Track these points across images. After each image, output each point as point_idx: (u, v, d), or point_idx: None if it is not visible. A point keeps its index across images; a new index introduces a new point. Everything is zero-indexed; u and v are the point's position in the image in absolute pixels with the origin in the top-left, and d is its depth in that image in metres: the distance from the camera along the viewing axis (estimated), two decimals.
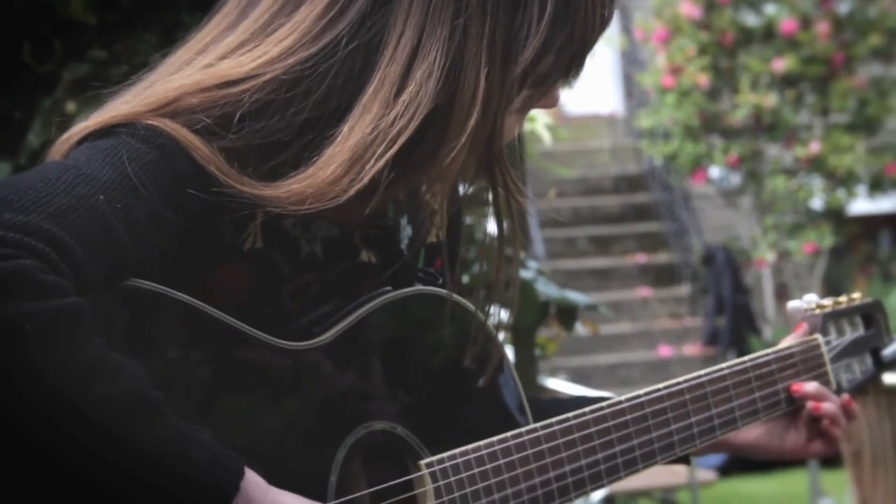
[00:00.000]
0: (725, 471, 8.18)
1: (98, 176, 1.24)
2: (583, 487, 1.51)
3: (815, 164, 11.68)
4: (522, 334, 3.95)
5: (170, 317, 1.29)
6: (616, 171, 13.56)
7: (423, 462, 1.41)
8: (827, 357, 1.82)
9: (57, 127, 1.40)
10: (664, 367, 11.27)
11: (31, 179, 1.22)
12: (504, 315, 1.51)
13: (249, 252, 1.37)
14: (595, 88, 12.63)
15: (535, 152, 6.03)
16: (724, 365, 1.70)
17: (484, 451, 1.44)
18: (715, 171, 12.24)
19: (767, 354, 1.76)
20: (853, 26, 11.74)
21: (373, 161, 1.32)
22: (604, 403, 1.55)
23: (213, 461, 1.20)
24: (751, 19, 11.94)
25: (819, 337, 1.82)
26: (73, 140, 1.32)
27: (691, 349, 11.74)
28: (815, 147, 11.63)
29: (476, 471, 1.43)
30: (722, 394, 1.67)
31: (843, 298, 1.89)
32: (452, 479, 1.41)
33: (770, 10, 11.88)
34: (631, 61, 13.33)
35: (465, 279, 1.56)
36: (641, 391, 1.59)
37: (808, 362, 1.80)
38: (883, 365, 1.90)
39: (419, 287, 1.50)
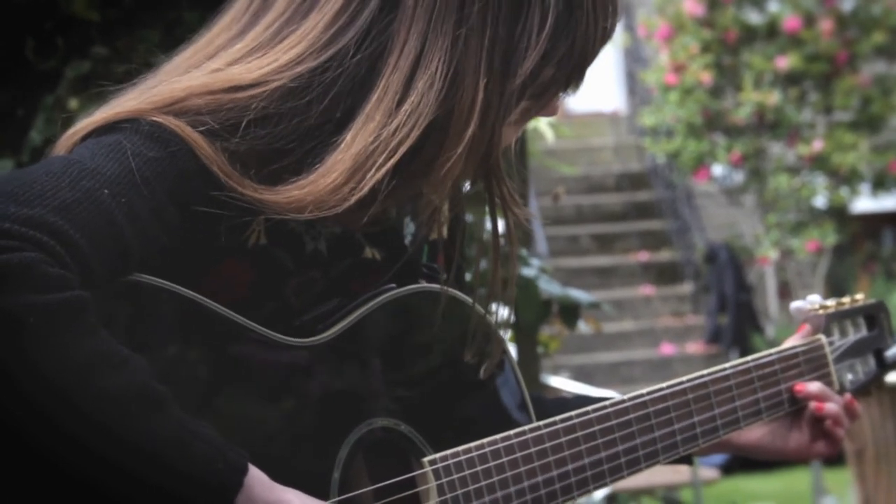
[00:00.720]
0: (728, 469, 8.18)
1: (102, 170, 1.24)
2: (585, 486, 1.51)
3: (819, 163, 11.68)
4: (525, 332, 3.95)
5: (172, 312, 1.29)
6: (619, 169, 13.56)
7: (426, 459, 1.41)
8: (830, 357, 1.82)
9: (60, 124, 1.40)
10: (666, 365, 11.27)
11: (35, 173, 1.22)
12: (505, 313, 1.51)
13: (253, 248, 1.37)
14: (598, 86, 12.62)
15: (538, 150, 6.03)
16: (727, 365, 1.69)
17: (487, 449, 1.44)
18: (718, 169, 12.24)
19: (771, 354, 1.75)
20: (857, 24, 11.73)
21: (374, 170, 1.32)
22: (606, 402, 1.55)
23: (217, 456, 1.20)
24: (754, 17, 11.94)
25: (822, 337, 1.82)
26: (77, 136, 1.32)
27: (694, 347, 11.74)
28: (818, 145, 11.63)
29: (479, 468, 1.43)
30: (725, 394, 1.67)
31: (846, 299, 1.88)
32: (455, 476, 1.41)
33: (773, 7, 11.88)
34: (634, 59, 13.33)
35: (469, 277, 1.56)
36: (644, 391, 1.59)
37: (811, 363, 1.80)
38: (886, 366, 1.90)
39: (422, 285, 1.50)
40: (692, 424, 1.63)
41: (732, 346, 11.36)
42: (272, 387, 1.34)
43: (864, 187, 11.91)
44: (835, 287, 11.84)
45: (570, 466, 1.50)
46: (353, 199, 1.32)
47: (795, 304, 1.85)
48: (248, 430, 1.31)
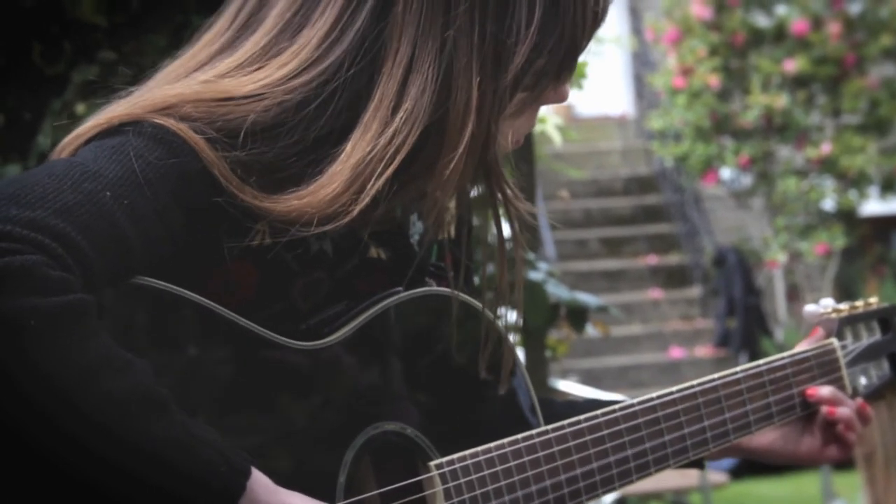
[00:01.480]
0: (737, 473, 8.17)
1: (105, 173, 1.24)
2: (594, 491, 1.51)
3: (827, 165, 11.67)
4: (533, 336, 3.94)
5: (176, 314, 1.29)
6: (627, 173, 13.55)
7: (433, 463, 1.40)
8: (843, 361, 1.81)
9: (68, 129, 1.40)
10: (675, 368, 11.26)
11: (37, 176, 1.22)
12: (513, 317, 1.51)
13: (258, 249, 1.37)
14: (605, 90, 12.62)
15: (546, 153, 6.02)
16: (738, 368, 1.68)
17: (495, 453, 1.43)
18: (726, 173, 12.23)
19: (783, 358, 1.74)
20: (864, 27, 11.72)
21: (374, 179, 1.32)
22: (616, 407, 1.54)
23: (220, 459, 1.20)
24: (762, 20, 11.93)
25: (835, 341, 1.81)
26: (80, 139, 1.32)
27: (702, 351, 11.73)
28: (826, 148, 11.61)
29: (487, 472, 1.42)
30: (736, 398, 1.66)
31: (859, 303, 1.87)
32: (463, 480, 1.40)
33: (781, 10, 11.87)
34: (641, 62, 13.33)
35: (477, 280, 1.55)
36: (654, 395, 1.58)
37: (823, 367, 1.79)
38: None
39: (430, 288, 1.49)
40: (703, 429, 1.62)
41: (741, 350, 11.34)
42: (278, 390, 1.34)
43: (873, 190, 11.90)
44: (844, 290, 11.82)
45: (578, 470, 1.49)
46: (356, 211, 1.32)
47: (808, 308, 1.84)
48: (253, 433, 1.31)
